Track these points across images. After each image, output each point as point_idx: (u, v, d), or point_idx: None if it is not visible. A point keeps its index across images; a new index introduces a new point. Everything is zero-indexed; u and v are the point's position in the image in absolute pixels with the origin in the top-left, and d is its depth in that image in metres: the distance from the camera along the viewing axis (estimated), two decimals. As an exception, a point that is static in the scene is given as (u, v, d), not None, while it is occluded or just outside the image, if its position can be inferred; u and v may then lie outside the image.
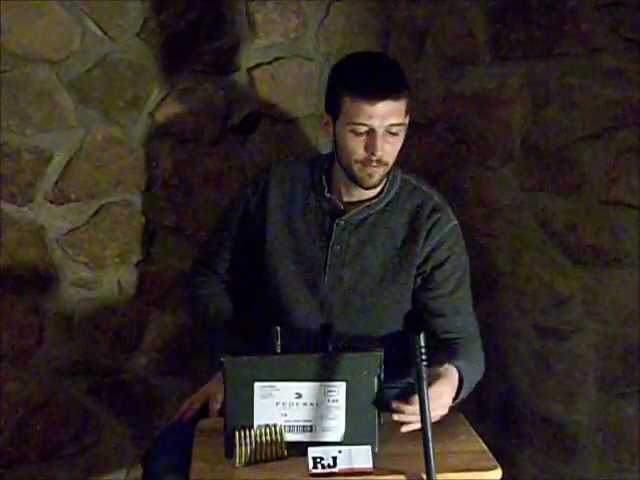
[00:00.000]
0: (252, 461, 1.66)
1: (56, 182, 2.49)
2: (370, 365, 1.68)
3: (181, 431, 2.00)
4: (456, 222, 2.10)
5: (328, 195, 2.07)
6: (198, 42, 2.50)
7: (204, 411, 2.05)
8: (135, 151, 2.53)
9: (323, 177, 2.08)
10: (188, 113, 2.54)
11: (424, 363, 1.62)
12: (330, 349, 1.70)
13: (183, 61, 2.51)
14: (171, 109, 2.53)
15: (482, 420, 2.52)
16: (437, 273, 2.07)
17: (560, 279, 2.34)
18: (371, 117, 1.91)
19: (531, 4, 2.29)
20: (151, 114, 2.52)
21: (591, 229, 2.25)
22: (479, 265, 2.53)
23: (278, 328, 1.70)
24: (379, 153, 1.93)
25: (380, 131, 1.92)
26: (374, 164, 1.95)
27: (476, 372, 2.02)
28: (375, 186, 2.01)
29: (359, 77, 1.95)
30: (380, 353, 1.69)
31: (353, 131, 1.94)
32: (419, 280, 2.08)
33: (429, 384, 1.67)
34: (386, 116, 1.91)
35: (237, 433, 1.67)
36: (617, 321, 2.24)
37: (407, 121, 1.99)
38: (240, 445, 1.66)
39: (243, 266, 2.19)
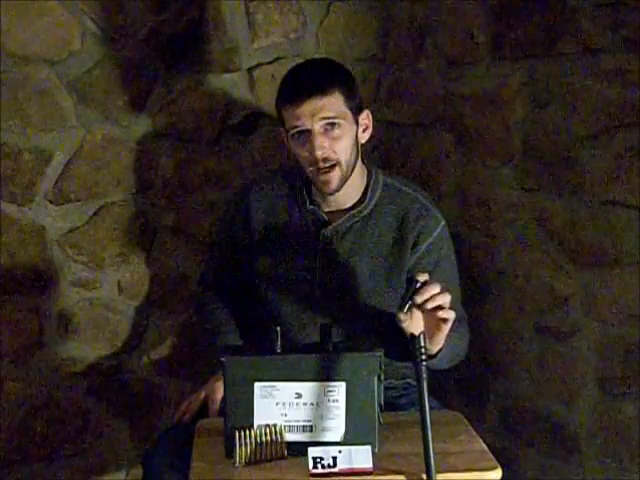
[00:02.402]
0: (252, 461, 1.66)
1: (56, 182, 2.50)
2: (370, 365, 1.68)
3: (181, 431, 2.00)
4: (443, 222, 2.08)
5: (310, 207, 2.06)
6: (198, 42, 2.50)
7: (204, 411, 2.05)
8: (135, 151, 2.54)
9: (303, 189, 2.08)
10: (188, 113, 2.54)
11: (424, 363, 1.62)
12: (330, 349, 1.70)
13: (183, 61, 2.51)
14: (171, 109, 2.53)
15: (482, 420, 2.52)
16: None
17: (560, 279, 2.34)
18: (299, 118, 1.93)
19: (531, 4, 2.29)
20: (151, 114, 2.52)
21: (591, 229, 2.25)
22: (479, 265, 2.53)
23: (278, 328, 1.70)
24: (319, 152, 1.93)
25: (316, 128, 1.93)
26: (321, 165, 1.95)
27: (457, 341, 1.96)
28: (336, 190, 1.99)
29: (285, 86, 2.01)
30: (380, 353, 1.69)
31: (294, 138, 1.97)
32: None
33: None
34: (315, 112, 1.93)
35: (237, 433, 1.66)
36: (617, 321, 2.24)
37: (365, 118, 2.02)
38: (240, 445, 1.66)
39: (237, 284, 2.20)
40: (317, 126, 1.93)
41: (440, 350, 1.83)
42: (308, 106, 1.92)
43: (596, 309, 2.28)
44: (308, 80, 1.97)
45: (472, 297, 2.52)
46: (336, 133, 1.95)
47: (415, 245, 2.03)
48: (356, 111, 2.00)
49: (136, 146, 2.53)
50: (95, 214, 2.54)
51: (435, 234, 2.05)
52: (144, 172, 2.55)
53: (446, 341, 1.82)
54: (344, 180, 1.99)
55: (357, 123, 2.01)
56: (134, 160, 2.54)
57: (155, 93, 2.51)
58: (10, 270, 2.49)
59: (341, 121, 1.95)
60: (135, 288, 2.61)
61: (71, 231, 2.53)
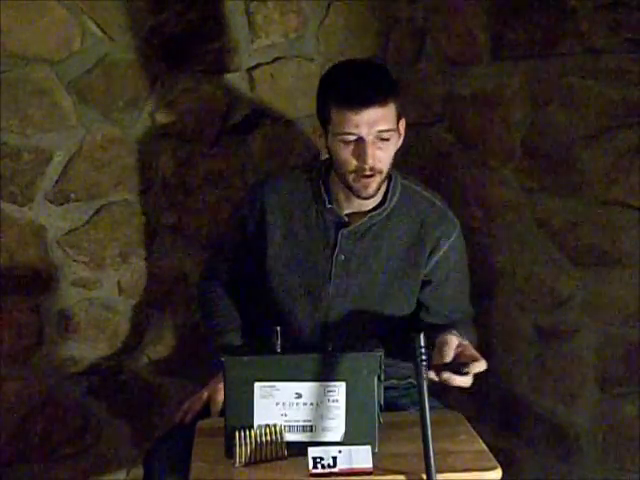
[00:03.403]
0: (252, 461, 1.66)
1: (56, 182, 2.50)
2: (370, 365, 1.68)
3: (182, 432, 1.99)
4: (458, 223, 2.09)
5: (330, 206, 2.04)
6: (198, 42, 2.50)
7: (205, 412, 2.05)
8: (135, 151, 2.54)
9: (322, 188, 2.05)
10: (188, 113, 2.54)
11: (424, 363, 1.62)
12: (330, 349, 1.70)
13: (183, 61, 2.51)
14: (171, 109, 2.53)
15: (482, 420, 2.52)
16: (441, 276, 2.08)
17: (560, 279, 2.34)
18: (358, 126, 1.89)
19: (531, 4, 2.29)
20: (151, 114, 2.52)
21: (591, 229, 2.25)
22: (479, 265, 2.53)
23: (278, 328, 1.70)
24: (370, 161, 1.91)
25: (369, 139, 1.90)
26: (367, 173, 1.92)
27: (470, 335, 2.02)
28: (372, 196, 1.98)
29: (343, 86, 1.93)
30: (380, 353, 1.69)
31: (342, 141, 1.92)
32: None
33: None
34: (373, 123, 1.89)
35: (237, 433, 1.66)
36: (617, 321, 2.24)
37: (401, 126, 1.98)
38: (240, 445, 1.66)
39: (246, 279, 2.19)
40: (372, 137, 1.90)
41: None
42: (368, 115, 1.88)
43: (596, 309, 2.28)
44: (370, 87, 1.91)
45: (472, 297, 2.52)
46: (385, 144, 1.93)
47: (433, 250, 2.05)
48: (398, 120, 1.98)
49: (136, 146, 2.53)
50: (95, 214, 2.54)
51: (453, 238, 2.07)
52: (144, 172, 2.55)
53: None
54: (380, 186, 1.98)
55: (399, 131, 1.99)
56: (134, 160, 2.54)
57: (155, 93, 2.51)
58: (10, 270, 2.49)
59: (392, 133, 1.93)
60: (135, 288, 2.61)
61: (71, 231, 2.53)
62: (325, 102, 1.95)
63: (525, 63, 2.34)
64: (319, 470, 1.61)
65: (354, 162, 1.93)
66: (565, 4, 2.21)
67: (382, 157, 1.93)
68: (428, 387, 1.61)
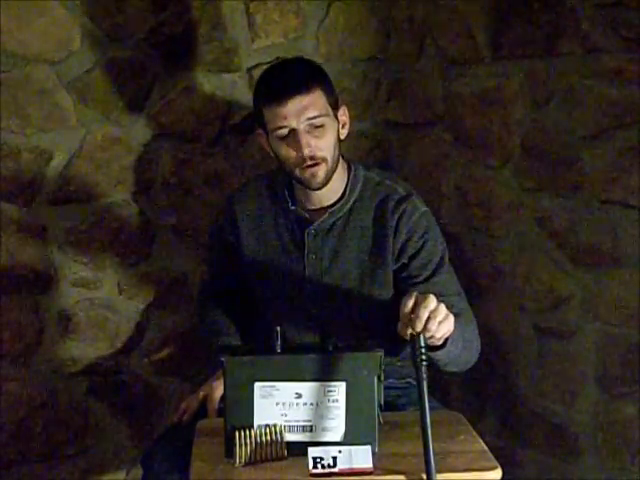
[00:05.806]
0: (252, 461, 1.66)
1: (56, 182, 2.49)
2: (370, 365, 1.68)
3: (180, 432, 2.00)
4: (425, 209, 2.05)
5: (293, 207, 2.06)
6: (198, 42, 2.50)
7: (203, 411, 2.05)
8: (135, 151, 2.54)
9: (285, 190, 2.08)
10: (188, 113, 2.54)
11: (424, 363, 1.62)
12: (330, 349, 1.70)
13: (183, 61, 2.51)
14: (171, 109, 2.53)
15: (482, 420, 2.52)
16: (414, 262, 2.02)
17: (560, 279, 2.34)
18: (286, 117, 1.92)
19: (531, 4, 2.29)
20: (151, 114, 2.52)
21: (591, 229, 2.25)
22: (479, 265, 2.53)
23: (278, 328, 1.70)
24: (306, 150, 1.93)
25: (301, 127, 1.93)
26: (308, 163, 1.94)
27: (469, 336, 1.92)
28: (323, 185, 1.99)
29: (267, 84, 1.99)
30: (380, 353, 1.69)
31: (278, 137, 1.96)
32: (399, 272, 2.03)
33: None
34: (301, 111, 1.92)
35: (237, 433, 1.66)
36: (617, 321, 2.24)
37: (341, 115, 2.01)
38: (240, 445, 1.66)
39: (235, 290, 2.21)
40: (302, 125, 1.93)
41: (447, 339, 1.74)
42: (293, 104, 1.92)
43: (596, 309, 2.28)
44: (290, 78, 1.96)
45: (472, 297, 2.52)
46: (320, 131, 1.95)
47: (395, 234, 2.02)
48: (335, 107, 2.01)
49: (136, 146, 2.53)
50: (95, 214, 2.54)
51: (414, 220, 2.02)
52: (144, 172, 2.55)
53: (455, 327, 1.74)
54: (330, 175, 1.99)
55: (337, 119, 2.01)
56: (134, 160, 2.54)
57: (155, 93, 2.51)
58: (10, 270, 2.49)
59: (325, 119, 1.95)
60: (135, 288, 2.61)
61: (71, 231, 2.53)
62: (257, 105, 2.00)
63: (525, 63, 2.34)
64: (319, 470, 1.61)
65: (293, 154, 1.95)
66: (565, 4, 2.21)
67: (320, 145, 1.95)
68: (428, 387, 1.60)
